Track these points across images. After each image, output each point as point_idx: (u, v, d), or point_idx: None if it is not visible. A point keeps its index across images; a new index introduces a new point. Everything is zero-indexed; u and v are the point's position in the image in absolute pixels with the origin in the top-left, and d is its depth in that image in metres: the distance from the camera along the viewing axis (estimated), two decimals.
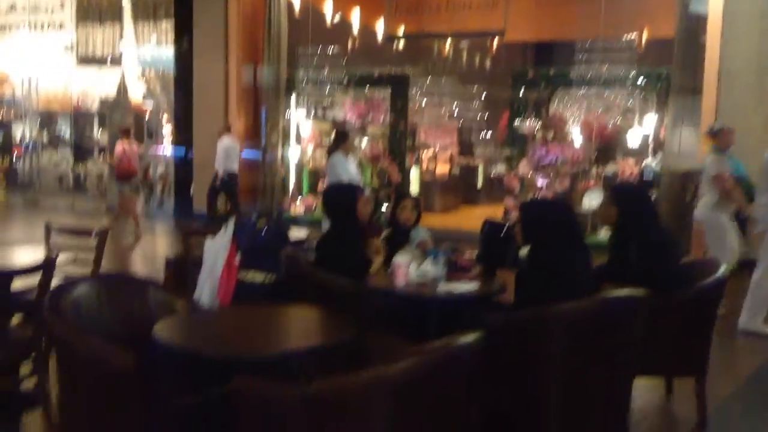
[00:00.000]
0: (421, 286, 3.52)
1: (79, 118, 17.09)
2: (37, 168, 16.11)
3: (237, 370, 2.54)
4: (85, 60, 13.44)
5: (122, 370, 2.42)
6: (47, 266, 3.30)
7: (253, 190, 12.63)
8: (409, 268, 3.57)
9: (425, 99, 15.21)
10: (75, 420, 2.68)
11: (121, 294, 3.00)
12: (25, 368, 3.59)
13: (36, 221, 12.05)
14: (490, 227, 4.19)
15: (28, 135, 16.41)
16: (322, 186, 12.53)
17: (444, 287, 3.42)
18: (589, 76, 10.67)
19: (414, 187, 12.64)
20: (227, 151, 11.24)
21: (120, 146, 10.83)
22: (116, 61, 13.14)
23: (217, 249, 4.32)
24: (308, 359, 2.55)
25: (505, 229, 4.12)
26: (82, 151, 16.60)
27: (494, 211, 10.86)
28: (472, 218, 10.24)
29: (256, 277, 4.24)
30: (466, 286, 3.43)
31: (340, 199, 3.88)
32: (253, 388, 2.17)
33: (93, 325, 2.75)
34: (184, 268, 5.19)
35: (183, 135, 12.62)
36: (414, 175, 13.09)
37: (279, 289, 4.16)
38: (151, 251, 10.01)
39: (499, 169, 13.26)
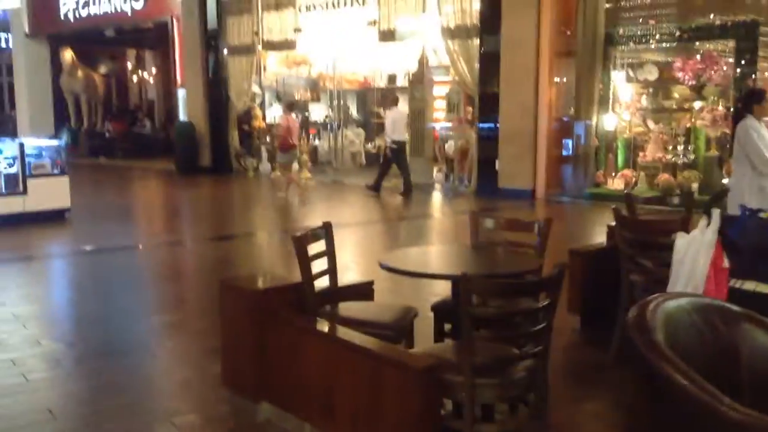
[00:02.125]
0: None
1: (372, 94, 17.37)
2: (334, 147, 16.58)
3: None
4: (386, 35, 13.27)
5: None
6: (558, 280, 2.56)
7: (562, 164, 11.64)
8: None
9: None
10: None
11: (707, 320, 2.14)
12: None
13: (357, 202, 12.13)
14: None
15: (327, 114, 16.98)
16: (643, 158, 11.16)
17: None
18: None
19: None
20: (394, 122, 11.87)
21: (285, 120, 11.78)
22: (418, 33, 12.80)
23: (696, 248, 3.35)
24: None
25: None
26: (375, 128, 16.88)
27: None
28: None
29: (764, 288, 3.21)
30: None
31: None
32: None
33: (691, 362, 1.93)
34: (602, 263, 4.34)
35: (488, 107, 11.94)
36: None
37: None
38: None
39: None
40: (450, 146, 12.86)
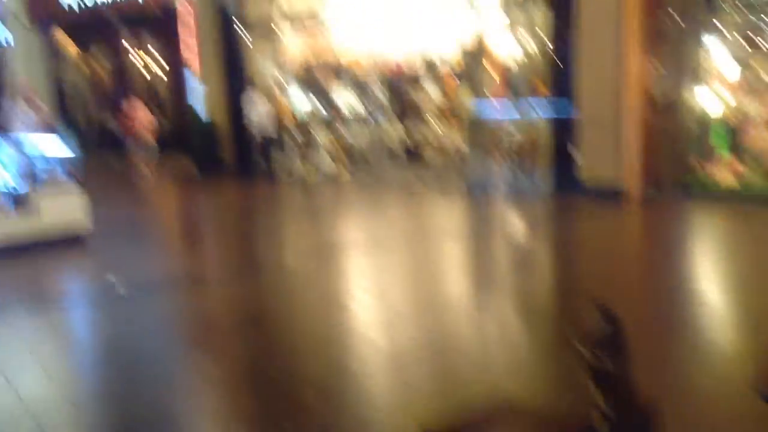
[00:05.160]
0: None
1: (408, 81, 15.69)
2: (366, 139, 14.95)
3: None
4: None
5: None
6: None
7: (657, 152, 9.95)
8: None
9: None
10: None
11: None
12: None
13: (408, 209, 10.53)
14: None
15: (353, 102, 15.32)
16: (753, 143, 9.52)
17: None
18: None
19: None
20: (261, 116, 12.89)
21: (131, 110, 12.71)
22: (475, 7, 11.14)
23: None
24: None
25: None
26: (411, 117, 15.20)
27: None
28: None
29: None
30: None
31: None
32: None
33: None
34: None
35: (562, 86, 10.29)
36: None
37: None
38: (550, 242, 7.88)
39: None
40: (513, 134, 11.18)
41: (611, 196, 9.67)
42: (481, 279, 6.43)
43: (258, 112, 13.09)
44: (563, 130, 10.36)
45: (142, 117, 12.94)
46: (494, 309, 5.55)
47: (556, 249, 7.79)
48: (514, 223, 9.46)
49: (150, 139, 12.87)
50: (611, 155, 9.82)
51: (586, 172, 10.06)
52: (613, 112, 9.74)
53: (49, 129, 11.79)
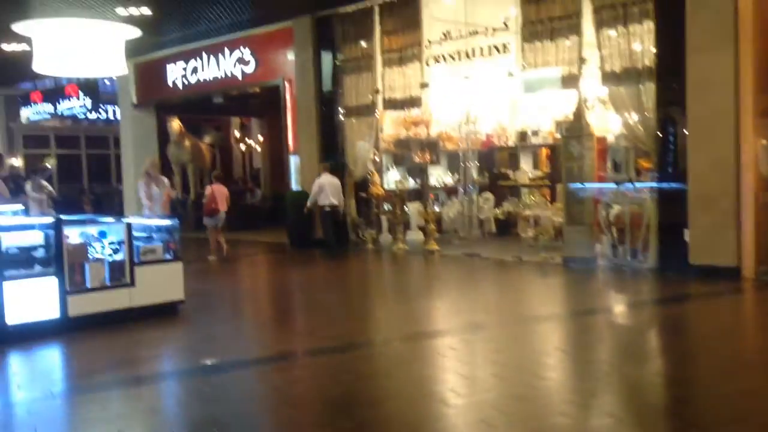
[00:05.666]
0: None
1: (497, 153, 15.53)
2: (464, 214, 14.73)
3: None
4: (532, 86, 11.47)
5: None
6: None
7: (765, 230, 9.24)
8: None
9: None
10: None
11: None
12: None
13: (507, 284, 10.19)
14: None
15: (444, 174, 15.28)
16: None
17: None
18: None
19: None
20: (321, 188, 13.28)
21: (209, 190, 13.53)
22: (572, 81, 10.89)
23: None
24: None
25: None
26: (503, 189, 14.95)
27: None
28: None
29: None
30: None
31: None
32: None
33: None
34: None
35: (669, 164, 9.83)
36: None
37: None
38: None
39: None
40: (614, 208, 10.68)
41: (722, 276, 9.01)
42: (586, 365, 5.94)
43: (320, 183, 13.31)
44: (669, 206, 9.85)
45: (225, 195, 13.47)
46: (600, 400, 5.08)
47: (668, 332, 7.18)
48: (620, 303, 8.88)
49: (222, 214, 13.46)
50: (723, 234, 9.20)
51: (694, 250, 9.43)
52: (726, 191, 9.19)
53: (169, 203, 12.79)
